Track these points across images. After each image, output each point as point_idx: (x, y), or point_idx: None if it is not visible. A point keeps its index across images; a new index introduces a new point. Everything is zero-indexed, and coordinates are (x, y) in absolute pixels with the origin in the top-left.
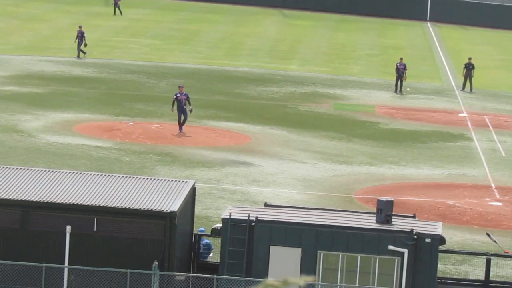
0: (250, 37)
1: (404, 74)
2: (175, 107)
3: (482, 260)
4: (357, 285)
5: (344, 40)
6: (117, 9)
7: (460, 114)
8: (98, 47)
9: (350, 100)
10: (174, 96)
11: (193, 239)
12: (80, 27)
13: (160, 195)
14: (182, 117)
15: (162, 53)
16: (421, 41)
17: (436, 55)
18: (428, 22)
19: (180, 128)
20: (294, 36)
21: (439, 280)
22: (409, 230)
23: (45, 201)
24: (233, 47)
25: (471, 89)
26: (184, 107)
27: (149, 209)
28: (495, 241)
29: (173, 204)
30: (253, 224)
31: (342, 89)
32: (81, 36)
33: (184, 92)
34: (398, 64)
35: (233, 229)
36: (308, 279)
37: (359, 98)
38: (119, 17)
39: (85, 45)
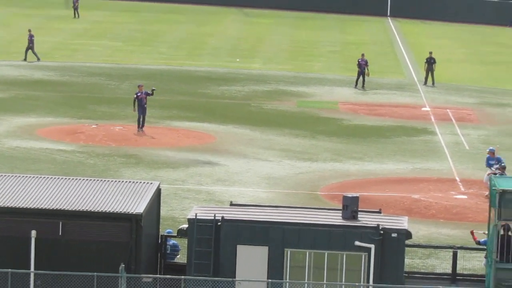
0: (211, 37)
1: (366, 70)
2: (136, 106)
3: (449, 254)
4: (324, 281)
5: (306, 38)
6: (76, 11)
7: (423, 109)
8: (60, 50)
9: (313, 97)
10: (135, 96)
11: (160, 241)
12: (29, 30)
13: (125, 197)
14: (141, 117)
15: (124, 54)
16: (382, 37)
17: (398, 50)
18: (389, 18)
19: (139, 127)
20: (255, 34)
21: (406, 275)
22: (375, 225)
23: (9, 206)
24: (195, 47)
25: (433, 83)
26: (145, 105)
27: (115, 211)
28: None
29: (139, 206)
30: (219, 223)
31: (305, 86)
32: (30, 39)
33: (144, 91)
34: (360, 60)
35: (199, 229)
36: None
37: (322, 95)
38: (79, 20)
39: (29, 48)
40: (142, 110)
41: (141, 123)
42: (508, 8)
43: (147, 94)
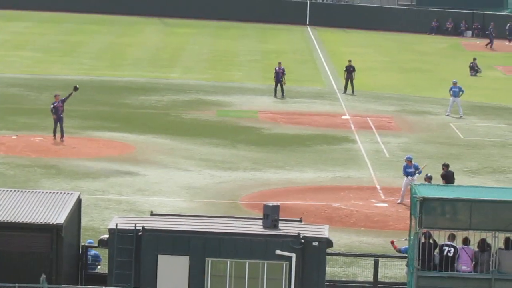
0: (132, 47)
1: (283, 79)
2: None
3: (370, 262)
4: None
5: (225, 47)
6: None
7: (343, 117)
8: None
9: (233, 107)
10: (52, 105)
11: (81, 251)
12: None
13: (46, 207)
14: (59, 126)
15: (45, 65)
16: (302, 45)
17: (317, 59)
18: (308, 26)
19: (55, 136)
20: (175, 44)
21: (327, 283)
22: (296, 234)
23: None
24: (116, 57)
25: (353, 91)
26: (61, 115)
27: (35, 222)
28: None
29: (59, 217)
30: (140, 233)
31: (224, 95)
32: None
33: (61, 99)
34: (276, 68)
35: (120, 239)
36: None
37: (242, 104)
38: None
39: None
40: (58, 119)
41: (58, 132)
42: (427, 16)
43: (63, 101)
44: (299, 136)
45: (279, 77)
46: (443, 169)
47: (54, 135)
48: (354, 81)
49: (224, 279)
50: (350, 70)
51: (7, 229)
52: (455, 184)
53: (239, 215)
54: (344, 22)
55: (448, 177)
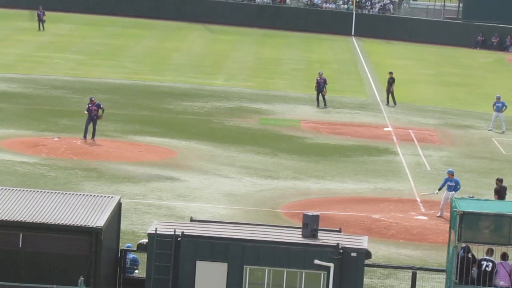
0: (175, 52)
1: (324, 89)
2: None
3: (408, 274)
4: None
5: (269, 55)
6: (41, 24)
7: (385, 129)
8: (23, 63)
9: (276, 115)
10: (86, 107)
11: (119, 255)
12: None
13: (86, 210)
14: (91, 127)
15: (88, 68)
16: (346, 56)
17: (361, 70)
18: (353, 37)
19: (85, 138)
20: (219, 51)
21: None
22: (335, 244)
23: None
24: (158, 62)
25: (394, 103)
26: (94, 117)
27: (75, 224)
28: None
29: (99, 220)
30: (179, 239)
31: (267, 103)
32: None
33: (96, 102)
34: (318, 79)
35: (159, 244)
36: None
37: (284, 113)
38: (44, 32)
39: None
40: (91, 120)
41: (92, 133)
42: (473, 30)
43: (99, 106)
44: (340, 146)
45: (320, 87)
46: (496, 183)
47: (85, 137)
48: (394, 93)
49: (262, 287)
50: (390, 82)
51: (47, 230)
52: (506, 199)
53: (278, 224)
54: (389, 33)
55: (500, 192)
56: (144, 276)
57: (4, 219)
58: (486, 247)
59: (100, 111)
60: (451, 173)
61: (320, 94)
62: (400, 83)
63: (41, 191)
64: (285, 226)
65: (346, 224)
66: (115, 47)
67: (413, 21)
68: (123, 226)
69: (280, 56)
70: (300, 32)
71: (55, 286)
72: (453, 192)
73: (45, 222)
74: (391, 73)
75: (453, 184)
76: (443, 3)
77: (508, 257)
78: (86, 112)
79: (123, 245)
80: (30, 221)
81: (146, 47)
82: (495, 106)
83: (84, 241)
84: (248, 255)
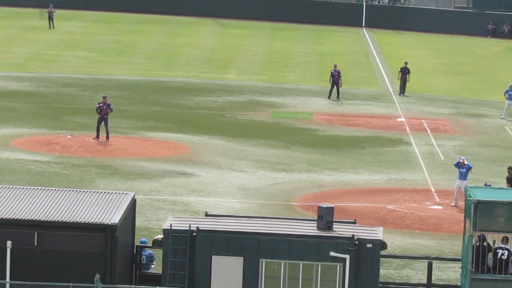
0: (186, 47)
1: (339, 81)
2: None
3: (424, 264)
4: None
5: (280, 48)
6: (51, 22)
7: (398, 119)
8: (34, 61)
9: (288, 108)
10: (97, 105)
11: (135, 251)
12: None
13: (100, 207)
14: (103, 126)
15: (99, 65)
16: (357, 47)
17: (373, 61)
18: (363, 28)
19: (98, 136)
20: (230, 45)
21: (381, 285)
22: (350, 236)
23: None
24: (169, 57)
25: (404, 93)
26: (106, 116)
27: (90, 222)
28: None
29: (114, 216)
30: (194, 234)
31: (279, 97)
32: None
33: (107, 102)
34: (332, 71)
35: (174, 240)
36: None
37: (296, 106)
38: (54, 30)
39: None
40: (102, 119)
41: (106, 134)
42: (484, 19)
43: (108, 106)
44: (354, 138)
45: (335, 79)
46: (508, 172)
47: (97, 135)
48: (407, 83)
49: (278, 280)
50: (405, 72)
51: (62, 228)
52: None
53: (293, 217)
54: (400, 24)
55: None
56: (160, 272)
57: (19, 218)
58: (502, 235)
59: (108, 110)
60: (462, 161)
61: (336, 86)
62: (412, 73)
63: (55, 189)
64: (300, 218)
65: (361, 215)
66: (126, 43)
67: (424, 10)
68: (138, 222)
69: (291, 49)
70: (310, 25)
71: (71, 284)
72: (466, 180)
73: (60, 220)
74: (406, 63)
75: (464, 170)
76: None
77: None
78: (97, 110)
79: (138, 241)
80: (45, 219)
81: (157, 43)
82: (507, 94)
83: (99, 238)
84: (263, 249)
